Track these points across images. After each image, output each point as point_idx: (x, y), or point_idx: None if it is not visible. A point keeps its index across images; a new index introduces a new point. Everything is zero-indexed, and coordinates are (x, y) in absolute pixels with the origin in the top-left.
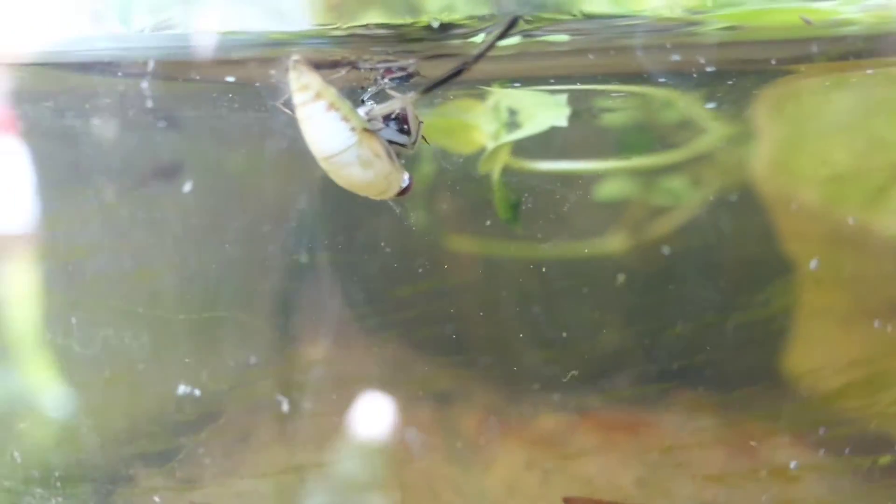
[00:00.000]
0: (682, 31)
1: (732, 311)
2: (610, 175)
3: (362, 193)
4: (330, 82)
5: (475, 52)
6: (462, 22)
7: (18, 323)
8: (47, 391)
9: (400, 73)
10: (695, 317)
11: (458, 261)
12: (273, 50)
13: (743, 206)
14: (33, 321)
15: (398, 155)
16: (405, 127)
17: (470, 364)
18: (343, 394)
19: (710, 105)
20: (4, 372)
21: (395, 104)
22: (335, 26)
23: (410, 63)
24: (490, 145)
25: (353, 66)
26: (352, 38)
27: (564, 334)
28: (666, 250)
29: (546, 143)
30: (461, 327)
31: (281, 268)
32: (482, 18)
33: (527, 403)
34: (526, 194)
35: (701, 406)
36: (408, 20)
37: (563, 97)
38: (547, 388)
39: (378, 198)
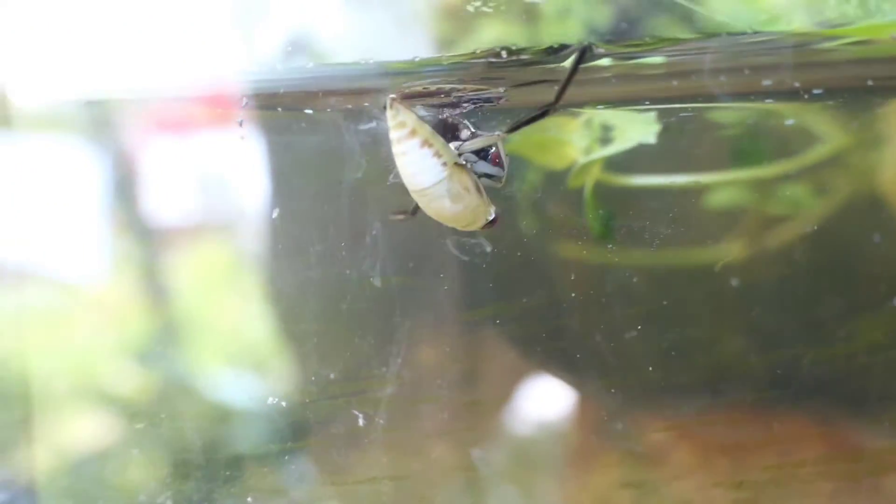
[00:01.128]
0: (810, 48)
1: (855, 331)
2: (722, 184)
3: (450, 224)
4: (423, 118)
5: (557, 91)
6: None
7: (191, 309)
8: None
9: (487, 102)
10: (814, 335)
11: (562, 275)
12: (389, 80)
13: (872, 218)
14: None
15: (487, 189)
16: (497, 161)
17: (572, 375)
18: (428, 409)
19: (831, 112)
20: (172, 353)
21: (484, 141)
22: (451, 55)
23: (500, 91)
24: (581, 160)
25: (446, 96)
26: (468, 64)
27: (672, 350)
28: (785, 261)
29: (651, 156)
30: (565, 342)
31: (357, 288)
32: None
33: (629, 419)
34: (629, 209)
35: (810, 432)
36: (524, 44)
37: (652, 114)
38: (651, 403)
39: (465, 229)
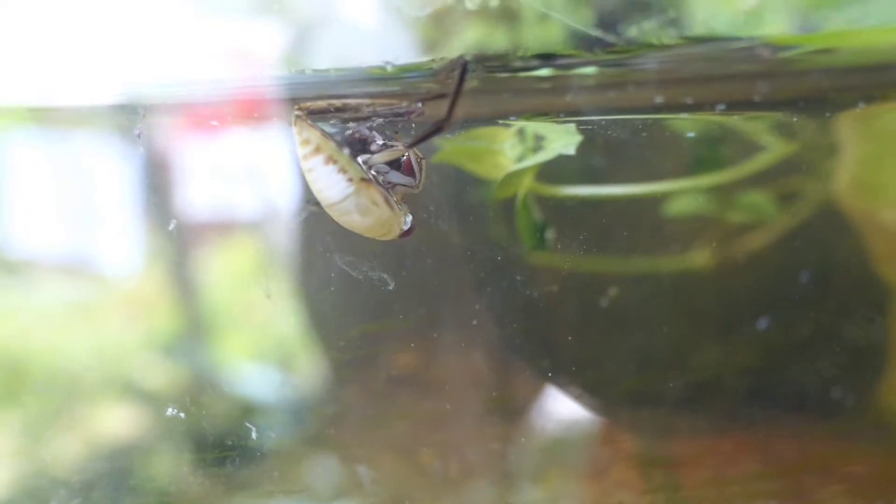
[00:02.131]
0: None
1: (823, 337)
2: (681, 192)
3: (366, 235)
4: (331, 134)
5: (447, 107)
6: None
7: (218, 304)
8: (231, 369)
9: (399, 117)
10: (782, 342)
11: (534, 280)
12: (371, 85)
13: (831, 225)
14: (230, 304)
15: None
16: (409, 170)
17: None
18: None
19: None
20: (200, 347)
21: (391, 153)
22: (433, 59)
23: (417, 107)
24: (512, 168)
25: (354, 111)
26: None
27: (644, 354)
28: (746, 269)
29: (581, 167)
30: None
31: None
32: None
33: (616, 426)
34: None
35: (783, 434)
36: (506, 51)
37: (573, 125)
38: (636, 410)
39: (381, 238)
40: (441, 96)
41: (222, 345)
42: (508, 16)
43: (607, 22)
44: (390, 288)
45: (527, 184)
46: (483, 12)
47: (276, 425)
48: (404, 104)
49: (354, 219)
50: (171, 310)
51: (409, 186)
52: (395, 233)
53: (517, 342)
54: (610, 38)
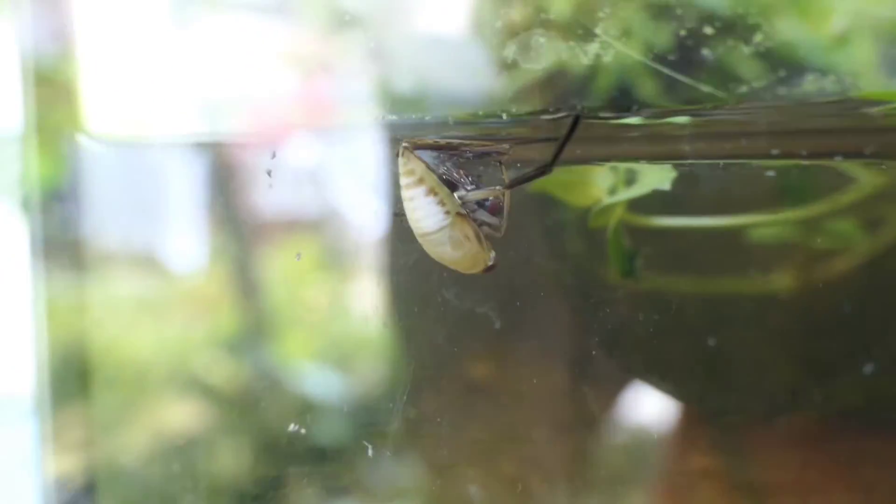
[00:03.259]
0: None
1: None
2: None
3: (452, 267)
4: (432, 167)
5: (553, 153)
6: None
7: (281, 304)
8: (293, 369)
9: (488, 156)
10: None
11: (619, 302)
12: (448, 129)
13: None
14: (293, 304)
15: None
16: (495, 211)
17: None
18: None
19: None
20: (262, 346)
21: (486, 193)
22: (547, 108)
23: (505, 148)
24: (606, 200)
25: (455, 149)
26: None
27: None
28: (834, 296)
29: (675, 200)
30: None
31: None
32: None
33: (698, 445)
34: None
35: (871, 460)
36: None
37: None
38: (719, 430)
39: (465, 272)
40: (541, 140)
41: (286, 344)
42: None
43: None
44: (496, 326)
45: (618, 214)
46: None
47: (337, 426)
48: (504, 146)
49: (446, 250)
50: (234, 308)
51: (492, 226)
52: (480, 267)
53: (600, 358)
54: (720, 94)
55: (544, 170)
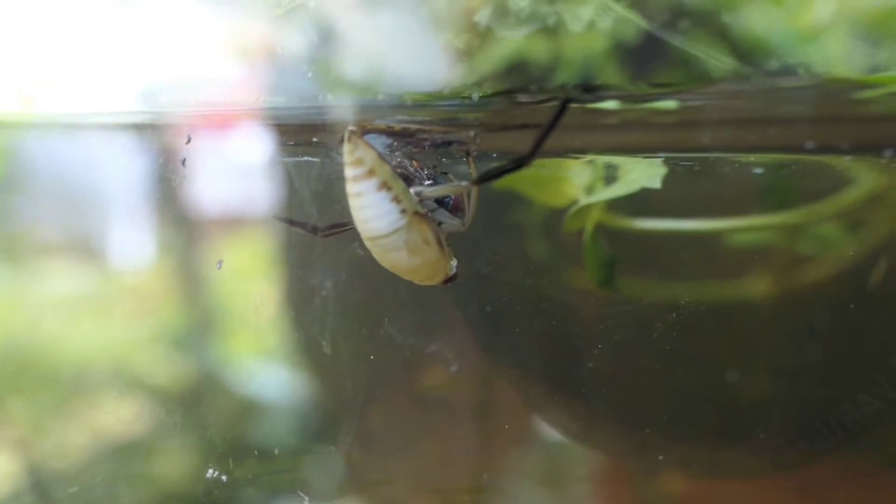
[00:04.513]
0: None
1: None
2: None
3: (406, 277)
4: (385, 157)
5: (532, 144)
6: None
7: (228, 300)
8: (238, 368)
9: (458, 146)
10: (852, 379)
11: (582, 310)
12: (404, 112)
13: None
14: (241, 300)
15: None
16: (457, 211)
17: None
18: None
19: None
20: (208, 344)
21: (450, 189)
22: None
23: (471, 136)
24: (582, 200)
25: (411, 136)
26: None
27: (702, 388)
28: (816, 301)
29: (659, 198)
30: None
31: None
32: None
33: (656, 463)
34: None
35: (838, 477)
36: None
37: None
38: (680, 446)
39: (422, 283)
40: (516, 128)
41: (233, 342)
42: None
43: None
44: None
45: (596, 216)
46: (528, 21)
47: (282, 429)
48: (471, 133)
49: (401, 257)
50: (179, 304)
51: (454, 225)
52: (440, 278)
53: (560, 372)
54: (746, 70)
55: (522, 162)
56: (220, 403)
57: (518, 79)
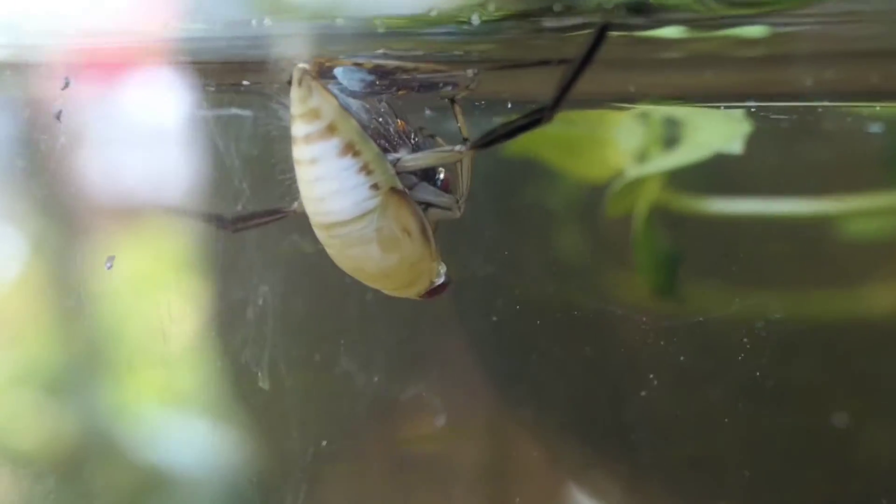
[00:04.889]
0: None
1: None
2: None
3: (372, 284)
4: (350, 109)
5: (557, 88)
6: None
7: (120, 325)
8: (137, 421)
9: (448, 91)
10: None
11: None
12: (375, 43)
13: None
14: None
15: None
16: (447, 187)
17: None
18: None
19: None
20: (93, 388)
21: (438, 156)
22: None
23: (468, 76)
24: (632, 171)
25: (386, 77)
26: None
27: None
28: None
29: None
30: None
31: None
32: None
33: None
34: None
35: None
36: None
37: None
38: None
39: (395, 294)
40: (532, 64)
41: (128, 385)
42: None
43: None
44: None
45: (652, 195)
46: None
47: None
48: (469, 72)
49: (369, 253)
50: (52, 330)
51: (443, 208)
52: (421, 286)
53: (599, 417)
54: None
55: (542, 116)
56: (112, 473)
57: None
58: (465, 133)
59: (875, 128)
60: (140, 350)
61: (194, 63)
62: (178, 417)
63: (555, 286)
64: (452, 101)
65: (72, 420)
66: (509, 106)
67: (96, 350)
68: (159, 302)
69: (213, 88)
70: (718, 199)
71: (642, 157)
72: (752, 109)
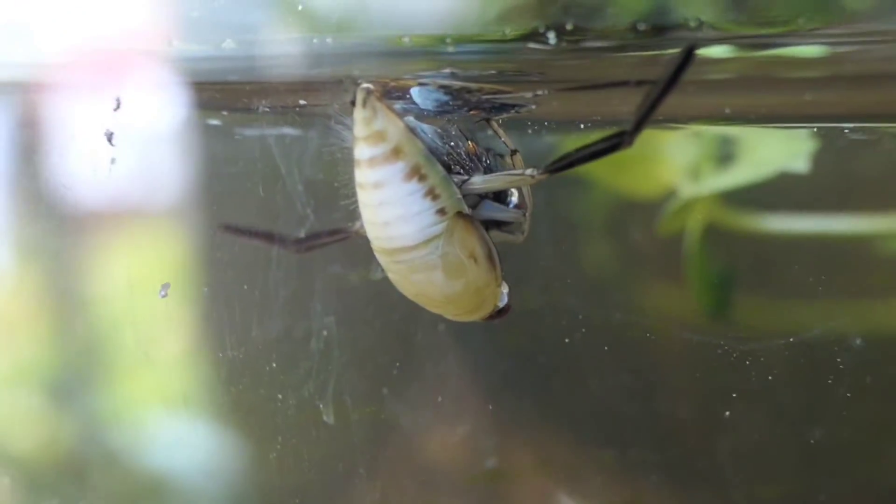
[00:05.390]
0: None
1: None
2: None
3: (436, 309)
4: (417, 132)
5: (638, 113)
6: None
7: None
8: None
9: (505, 111)
10: None
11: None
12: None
13: None
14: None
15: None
16: (510, 201)
17: None
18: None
19: None
20: (92, 390)
21: (508, 180)
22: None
23: (531, 97)
24: (685, 189)
25: (461, 99)
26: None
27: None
28: None
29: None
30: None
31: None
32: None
33: None
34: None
35: None
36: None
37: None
38: None
39: (458, 318)
40: (610, 85)
41: (128, 387)
42: None
43: None
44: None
45: (705, 213)
46: None
47: None
48: (535, 93)
49: (434, 279)
50: (52, 333)
51: (509, 229)
52: (486, 309)
53: (644, 454)
54: None
55: (622, 140)
56: (113, 480)
57: (615, 14)
58: (510, 146)
59: None
60: (139, 353)
61: (202, 83)
62: (175, 421)
63: (590, 308)
64: (488, 120)
65: (71, 424)
66: (581, 127)
67: (94, 353)
68: (156, 308)
69: (268, 110)
70: (777, 216)
71: (696, 174)
72: (812, 130)
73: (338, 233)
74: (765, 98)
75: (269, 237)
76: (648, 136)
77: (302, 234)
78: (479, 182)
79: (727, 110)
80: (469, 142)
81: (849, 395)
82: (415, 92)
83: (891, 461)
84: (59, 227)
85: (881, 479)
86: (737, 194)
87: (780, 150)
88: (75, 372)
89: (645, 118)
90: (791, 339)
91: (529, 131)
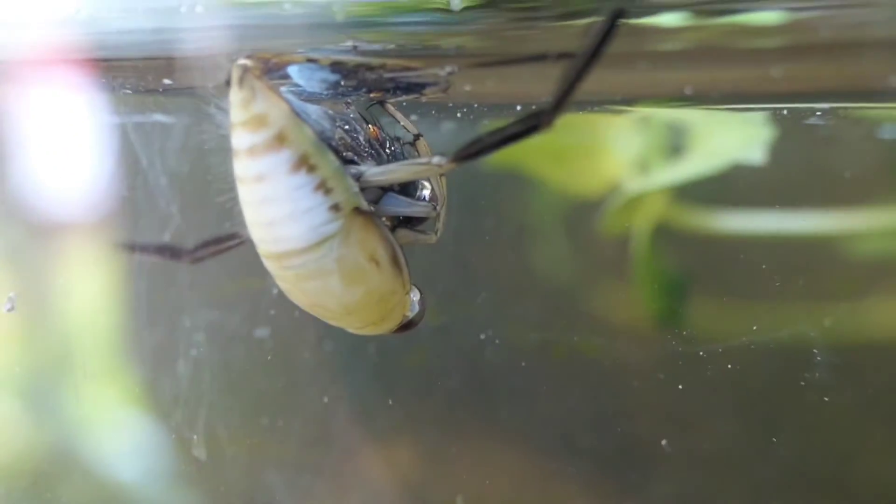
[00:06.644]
0: None
1: None
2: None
3: (334, 322)
4: (303, 113)
5: (558, 89)
6: None
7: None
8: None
9: (411, 91)
10: None
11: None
12: (333, 35)
13: None
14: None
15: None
16: (421, 195)
17: None
18: None
19: None
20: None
21: (411, 170)
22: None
23: (443, 74)
24: (632, 184)
25: (348, 76)
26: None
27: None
28: None
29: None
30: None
31: None
32: None
33: None
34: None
35: None
36: None
37: (758, 115)
38: None
39: (360, 332)
40: (528, 60)
41: (99, 391)
42: None
43: None
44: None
45: (655, 211)
46: None
47: None
48: (447, 70)
49: (330, 286)
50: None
51: (421, 231)
52: (393, 321)
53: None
54: None
55: (539, 122)
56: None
57: None
58: (411, 130)
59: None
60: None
61: (106, 60)
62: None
63: (540, 315)
64: (382, 103)
65: (41, 429)
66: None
67: (63, 355)
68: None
69: (130, 88)
70: (733, 213)
71: (644, 166)
72: (769, 112)
73: (232, 238)
74: (726, 73)
75: (160, 251)
76: (590, 122)
77: (191, 245)
78: (377, 173)
79: (686, 90)
80: (370, 126)
81: (812, 400)
82: (293, 70)
83: (855, 463)
84: (26, 225)
85: (845, 480)
86: (688, 189)
87: (735, 140)
88: (45, 377)
89: (565, 97)
90: (751, 346)
91: (458, 115)
